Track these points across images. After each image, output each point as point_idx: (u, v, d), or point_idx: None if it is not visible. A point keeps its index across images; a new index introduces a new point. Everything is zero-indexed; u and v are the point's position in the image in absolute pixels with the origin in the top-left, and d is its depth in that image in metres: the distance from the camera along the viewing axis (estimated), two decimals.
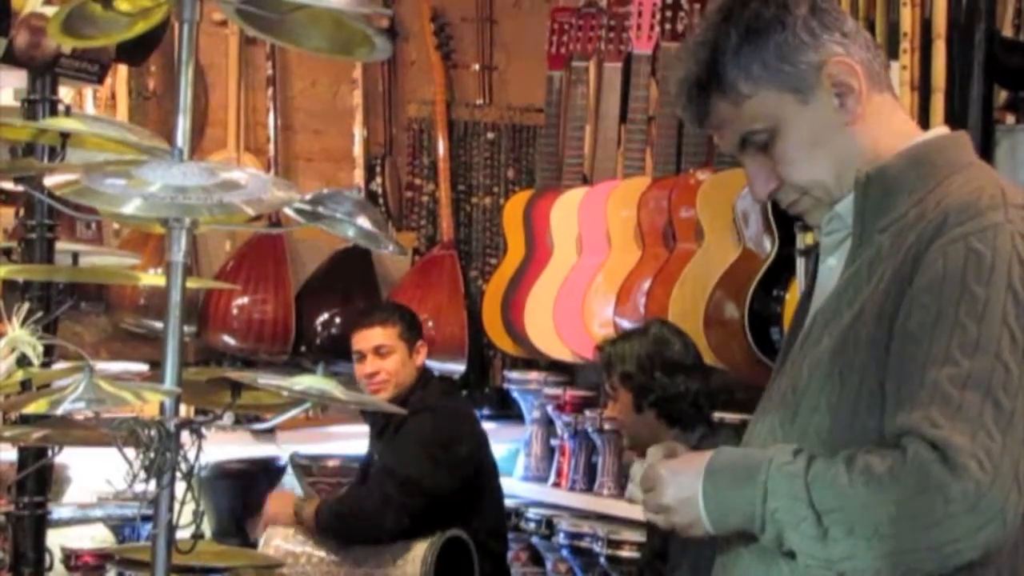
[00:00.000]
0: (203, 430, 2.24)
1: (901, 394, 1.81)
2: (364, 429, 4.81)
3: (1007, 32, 3.45)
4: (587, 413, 4.99)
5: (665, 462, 1.96)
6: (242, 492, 5.01)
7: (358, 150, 5.69)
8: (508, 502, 4.88)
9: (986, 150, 3.13)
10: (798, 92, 1.97)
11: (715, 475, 1.89)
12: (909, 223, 1.91)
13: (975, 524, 1.74)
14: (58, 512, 3.95)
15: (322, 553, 4.41)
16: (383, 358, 4.54)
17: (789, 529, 1.82)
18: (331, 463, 5.17)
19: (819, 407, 1.91)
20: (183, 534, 2.27)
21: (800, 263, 3.80)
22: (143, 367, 4.36)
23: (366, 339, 4.58)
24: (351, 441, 5.06)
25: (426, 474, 4.37)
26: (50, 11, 3.23)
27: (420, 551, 4.25)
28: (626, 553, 4.61)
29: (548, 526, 5.05)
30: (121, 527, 4.58)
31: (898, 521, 1.75)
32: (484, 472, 4.61)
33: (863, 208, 1.98)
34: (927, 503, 1.74)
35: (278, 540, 4.44)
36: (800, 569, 1.85)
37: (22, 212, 3.34)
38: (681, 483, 1.91)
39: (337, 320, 5.37)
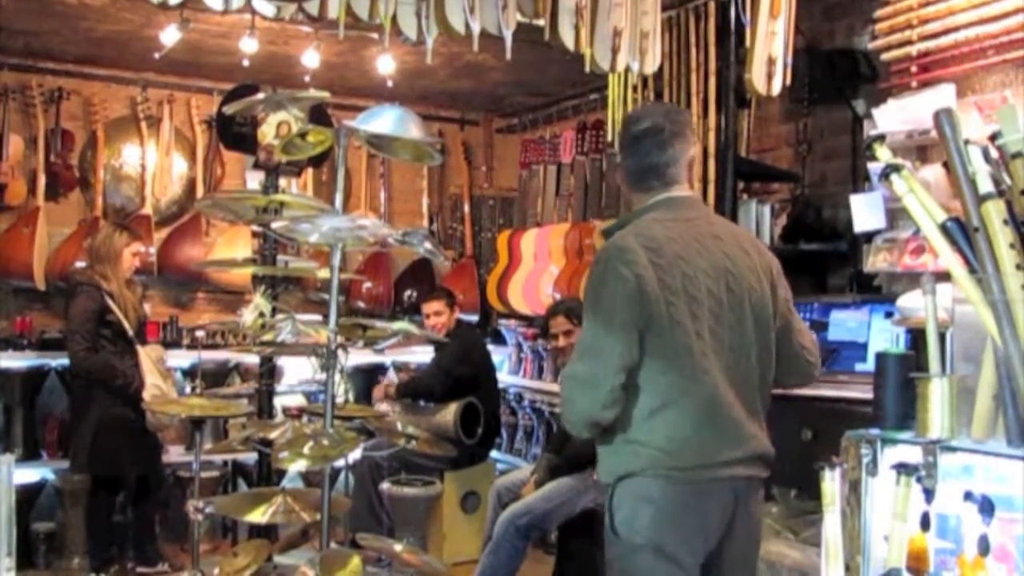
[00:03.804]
0: (348, 349, 2.28)
1: None
2: (430, 348, 4.78)
3: (743, 153, 3.49)
4: (539, 341, 4.98)
5: None
6: (368, 380, 5.00)
7: (425, 210, 5.64)
8: (500, 384, 4.83)
9: (734, 212, 3.17)
10: None
11: None
12: None
13: (596, 399, 1.79)
14: (279, 388, 3.95)
15: (401, 410, 4.39)
16: (438, 316, 4.48)
17: None
18: (412, 365, 5.17)
19: None
20: (340, 400, 2.30)
21: None
22: (319, 318, 4.35)
23: (431, 307, 4.50)
24: (423, 355, 5.04)
25: (454, 367, 4.34)
26: (276, 142, 3.25)
27: (453, 407, 4.24)
28: (558, 410, 4.59)
29: (519, 396, 5.06)
30: (310, 395, 4.60)
31: (569, 398, 1.82)
32: (487, 369, 4.57)
33: None
34: (574, 393, 1.82)
35: (383, 404, 4.44)
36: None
37: (261, 240, 3.37)
38: None
39: (414, 295, 5.32)
